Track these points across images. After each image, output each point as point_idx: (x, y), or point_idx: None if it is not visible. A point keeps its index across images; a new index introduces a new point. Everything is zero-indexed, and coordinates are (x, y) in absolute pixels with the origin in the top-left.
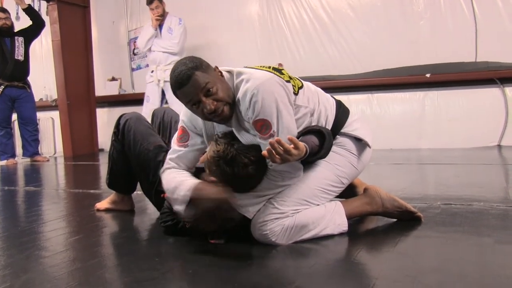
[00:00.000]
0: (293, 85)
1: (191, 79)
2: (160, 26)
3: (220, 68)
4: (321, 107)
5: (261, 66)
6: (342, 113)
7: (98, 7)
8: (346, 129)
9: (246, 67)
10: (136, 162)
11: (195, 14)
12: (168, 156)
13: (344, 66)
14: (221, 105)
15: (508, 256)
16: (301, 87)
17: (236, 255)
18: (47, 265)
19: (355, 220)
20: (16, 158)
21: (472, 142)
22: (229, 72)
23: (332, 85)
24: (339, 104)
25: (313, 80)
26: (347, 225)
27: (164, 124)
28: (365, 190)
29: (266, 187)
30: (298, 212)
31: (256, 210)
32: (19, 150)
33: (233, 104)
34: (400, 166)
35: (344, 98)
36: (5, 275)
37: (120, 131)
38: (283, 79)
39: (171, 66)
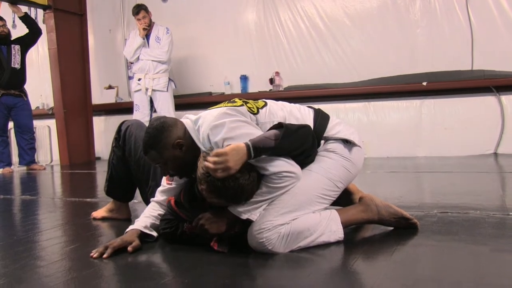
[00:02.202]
0: (250, 107)
1: (147, 155)
2: (147, 35)
3: (186, 120)
4: (291, 118)
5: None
6: (321, 119)
7: (95, 15)
8: (329, 133)
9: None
10: (136, 167)
11: (191, 23)
12: (158, 189)
13: (341, 74)
14: (174, 174)
15: (504, 265)
16: (264, 106)
17: (232, 264)
18: (43, 274)
19: (351, 229)
20: (12, 167)
21: (468, 150)
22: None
23: (328, 93)
24: (317, 112)
25: (310, 88)
26: (342, 232)
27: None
28: (360, 198)
29: (266, 192)
30: (294, 219)
31: (258, 212)
32: (15, 158)
33: (190, 168)
34: (397, 174)
35: (341, 106)
36: (0, 285)
37: (122, 137)
38: (235, 106)
39: (159, 75)
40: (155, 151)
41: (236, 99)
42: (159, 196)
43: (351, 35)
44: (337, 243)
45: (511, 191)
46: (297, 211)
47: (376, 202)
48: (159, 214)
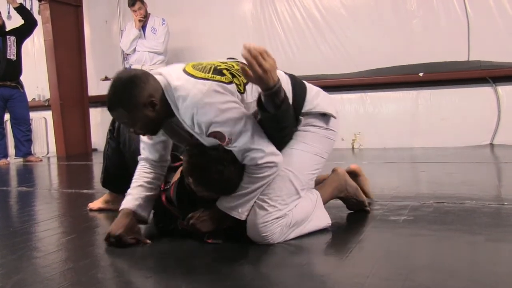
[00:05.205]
0: (237, 84)
1: (113, 112)
2: (143, 27)
3: (161, 78)
4: None
5: (203, 68)
6: (299, 89)
7: (91, 6)
8: (307, 107)
9: (185, 70)
10: (131, 159)
11: (188, 14)
12: (141, 145)
13: (337, 65)
14: (143, 133)
15: (498, 253)
16: None
17: (229, 254)
18: (39, 265)
19: (347, 218)
20: (8, 158)
21: (464, 140)
22: (168, 81)
23: (325, 84)
24: (293, 80)
25: (306, 79)
26: (329, 218)
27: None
28: (334, 171)
29: (248, 182)
30: (293, 208)
31: (246, 210)
32: (11, 150)
33: (161, 127)
34: (393, 165)
35: (337, 97)
36: None
37: (116, 129)
38: (224, 81)
39: (156, 66)
40: (123, 109)
41: (224, 70)
42: (143, 151)
43: (347, 26)
44: (333, 232)
45: (506, 181)
46: (295, 196)
47: (347, 181)
48: (149, 192)
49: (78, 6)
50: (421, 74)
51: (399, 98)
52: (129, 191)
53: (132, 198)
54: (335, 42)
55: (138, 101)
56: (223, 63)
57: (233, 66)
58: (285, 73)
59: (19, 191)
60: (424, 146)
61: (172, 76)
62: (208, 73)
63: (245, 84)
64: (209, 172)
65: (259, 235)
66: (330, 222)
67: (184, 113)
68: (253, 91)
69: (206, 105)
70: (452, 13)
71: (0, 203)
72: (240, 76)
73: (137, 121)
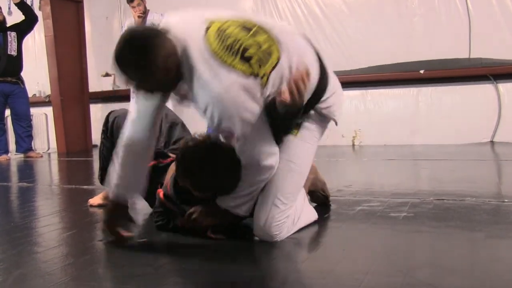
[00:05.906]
0: (261, 76)
1: (124, 72)
2: (143, 23)
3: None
4: None
5: (230, 46)
6: (323, 84)
7: (92, 2)
8: (320, 104)
9: (208, 40)
10: None
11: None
12: (130, 108)
13: (338, 62)
14: (150, 91)
15: (498, 250)
16: (276, 63)
17: (229, 250)
18: (40, 260)
19: (347, 214)
20: (9, 154)
21: (465, 138)
22: (184, 42)
23: None
24: (323, 72)
25: None
26: (315, 211)
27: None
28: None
29: (249, 185)
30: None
31: (248, 208)
32: (12, 146)
33: (169, 87)
34: (394, 162)
35: None
36: None
37: (109, 129)
38: (248, 74)
39: None
40: (137, 70)
41: (253, 60)
42: (132, 112)
43: (348, 23)
44: (332, 229)
45: (506, 178)
46: (298, 192)
47: (318, 175)
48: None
49: (79, 2)
50: (422, 71)
51: (400, 95)
52: (115, 178)
53: (122, 194)
54: (336, 39)
55: (154, 65)
56: (250, 36)
57: (260, 46)
58: (318, 56)
59: (19, 186)
60: (424, 143)
61: (191, 45)
62: (235, 56)
63: (272, 68)
64: (203, 176)
65: (270, 235)
66: (317, 215)
67: (197, 94)
68: (276, 80)
69: (224, 100)
70: (453, 10)
71: (1, 198)
72: (270, 58)
73: (147, 83)
